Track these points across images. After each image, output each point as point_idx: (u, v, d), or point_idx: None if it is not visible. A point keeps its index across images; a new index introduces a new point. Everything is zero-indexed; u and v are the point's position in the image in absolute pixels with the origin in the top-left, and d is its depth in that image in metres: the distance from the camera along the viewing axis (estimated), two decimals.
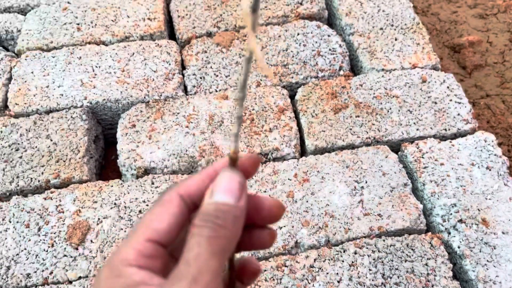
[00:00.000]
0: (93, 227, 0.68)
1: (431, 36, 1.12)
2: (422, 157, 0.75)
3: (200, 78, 0.88)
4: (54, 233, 0.67)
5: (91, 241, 0.66)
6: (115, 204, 0.70)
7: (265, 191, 0.72)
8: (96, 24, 0.96)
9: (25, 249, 0.66)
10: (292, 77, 0.88)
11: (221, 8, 0.99)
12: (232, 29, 0.96)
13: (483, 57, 1.07)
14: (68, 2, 1.02)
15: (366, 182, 0.72)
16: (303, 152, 0.80)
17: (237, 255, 0.27)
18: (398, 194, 0.70)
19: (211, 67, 0.90)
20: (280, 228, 0.68)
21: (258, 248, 0.26)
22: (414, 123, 0.80)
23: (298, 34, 0.94)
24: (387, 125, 0.79)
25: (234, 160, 0.24)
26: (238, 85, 0.23)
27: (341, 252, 0.65)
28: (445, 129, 0.79)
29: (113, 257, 0.22)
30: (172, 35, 1.01)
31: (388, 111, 0.81)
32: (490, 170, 0.72)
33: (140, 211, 0.69)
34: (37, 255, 0.65)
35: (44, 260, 0.65)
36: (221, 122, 0.81)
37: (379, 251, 0.65)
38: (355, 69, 0.93)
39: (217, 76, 0.88)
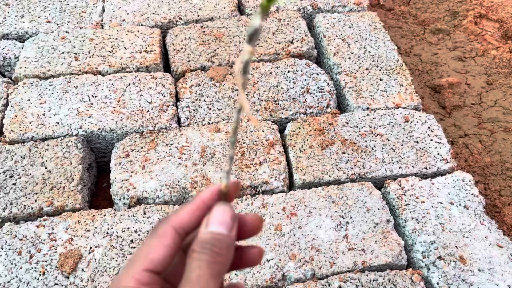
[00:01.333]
0: (85, 255, 0.69)
1: (413, 76, 1.18)
2: (404, 195, 0.79)
3: (194, 110, 0.92)
4: (46, 261, 0.68)
5: (83, 269, 0.67)
6: (107, 233, 0.72)
7: None
8: (93, 54, 0.99)
9: (17, 276, 0.67)
10: (282, 113, 0.92)
11: (215, 44, 1.03)
12: (225, 64, 1.00)
13: (462, 98, 1.13)
14: (67, 32, 1.05)
15: (351, 217, 0.75)
16: (291, 185, 0.84)
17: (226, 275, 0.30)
18: (381, 230, 0.74)
19: (204, 100, 0.93)
20: (268, 261, 0.70)
21: (248, 266, 0.30)
22: (397, 161, 0.84)
23: (288, 71, 0.98)
24: (371, 162, 0.83)
25: (226, 194, 0.28)
26: (231, 131, 0.27)
27: (326, 286, 0.67)
28: (426, 168, 0.83)
29: (114, 284, 0.26)
30: (167, 68, 1.05)
31: (372, 149, 0.85)
32: (467, 209, 0.77)
33: (131, 241, 0.71)
34: (28, 283, 0.66)
35: None
36: (213, 154, 0.83)
37: (362, 285, 0.67)
38: (341, 106, 0.98)
39: (210, 109, 0.92)
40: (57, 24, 1.08)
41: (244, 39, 1.05)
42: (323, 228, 0.74)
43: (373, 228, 0.74)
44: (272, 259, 0.70)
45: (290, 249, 0.71)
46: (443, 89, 1.14)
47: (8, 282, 0.66)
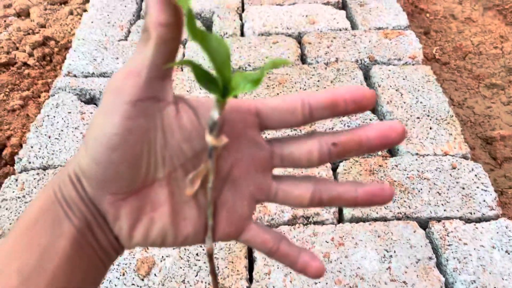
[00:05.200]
0: (157, 263, 0.80)
1: (465, 127, 1.23)
2: (447, 236, 0.84)
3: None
4: (126, 264, 0.80)
5: (155, 274, 0.79)
6: None
7: None
8: (174, 93, 1.15)
9: None
10: None
11: (278, 88, 1.16)
12: None
13: None
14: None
15: (394, 251, 0.82)
16: (340, 219, 0.91)
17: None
18: (423, 266, 0.79)
19: (266, 137, 1.05)
20: (316, 283, 0.78)
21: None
22: (442, 204, 0.89)
23: (343, 116, 1.08)
24: (417, 203, 0.90)
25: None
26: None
27: None
28: (470, 213, 0.88)
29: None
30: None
31: (419, 191, 0.92)
32: (509, 254, 0.80)
33: (197, 254, 0.82)
34: (110, 280, 0.78)
35: (116, 286, 0.77)
36: None
37: None
38: (392, 151, 1.06)
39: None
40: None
41: (303, 86, 1.17)
42: (368, 259, 0.81)
43: (415, 263, 0.80)
44: (319, 282, 0.78)
45: (336, 275, 0.78)
46: (494, 141, 1.18)
47: None
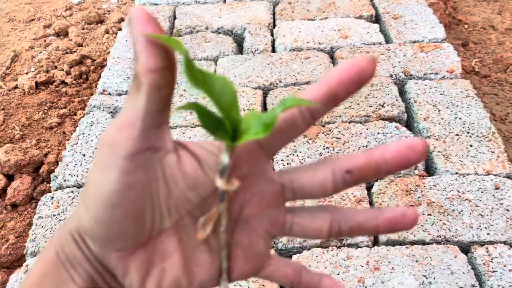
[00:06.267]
0: None
1: (508, 143, 1.17)
2: (491, 261, 0.79)
3: (287, 164, 1.01)
4: None
5: None
6: None
7: (338, 274, 0.80)
8: None
9: None
10: None
11: None
12: (318, 124, 1.10)
13: None
14: (184, 90, 1.23)
15: (434, 278, 0.77)
16: (375, 241, 0.88)
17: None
18: None
19: (297, 155, 1.03)
20: None
21: (312, 236, 0.27)
22: (485, 227, 0.85)
23: (378, 133, 1.05)
24: (458, 226, 0.85)
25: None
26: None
27: None
28: None
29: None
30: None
31: (459, 213, 0.87)
32: None
33: None
34: None
35: None
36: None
37: None
38: (429, 169, 1.01)
39: (302, 163, 1.01)
40: (177, 84, 1.27)
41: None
42: (405, 285, 0.77)
43: None
44: None
45: None
46: None
47: None
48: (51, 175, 1.02)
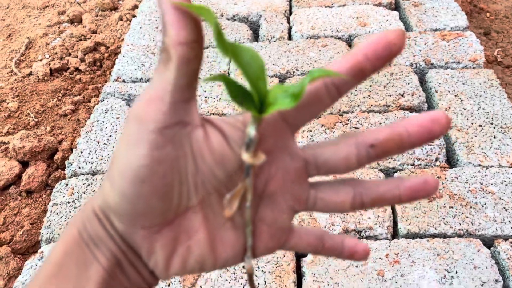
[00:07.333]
0: (203, 274, 0.78)
1: None
2: None
3: None
4: None
5: (201, 286, 0.77)
6: None
7: (356, 266, 0.78)
8: (220, 99, 1.14)
9: None
10: (390, 162, 0.95)
11: None
12: (336, 113, 1.07)
13: None
14: (199, 78, 1.21)
15: (456, 272, 0.75)
16: (394, 234, 0.86)
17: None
18: None
19: None
20: None
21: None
22: (510, 221, 0.82)
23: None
24: (481, 220, 0.82)
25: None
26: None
27: None
28: None
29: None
30: None
31: (483, 206, 0.84)
32: None
33: (243, 267, 0.79)
34: None
35: None
36: None
37: None
38: (451, 161, 0.98)
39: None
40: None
41: (353, 91, 1.12)
42: (426, 279, 0.75)
43: (479, 287, 0.73)
44: None
45: None
46: None
47: None
48: (66, 162, 1.02)
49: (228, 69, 1.24)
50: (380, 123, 1.03)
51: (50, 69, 1.38)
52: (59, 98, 1.29)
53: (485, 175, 0.90)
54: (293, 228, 0.28)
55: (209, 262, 0.26)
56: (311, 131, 1.03)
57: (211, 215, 0.26)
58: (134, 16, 1.59)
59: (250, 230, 0.26)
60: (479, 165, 0.92)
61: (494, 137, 0.97)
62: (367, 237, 0.83)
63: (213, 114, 1.11)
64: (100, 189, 0.25)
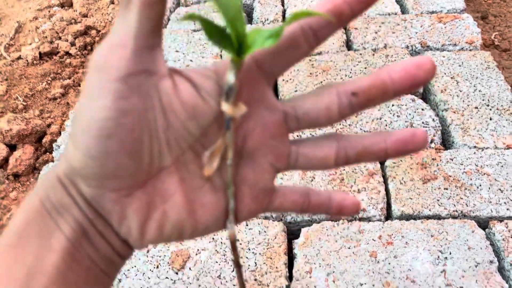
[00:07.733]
0: (192, 256, 0.77)
1: None
2: (511, 237, 0.75)
3: (297, 136, 0.97)
4: (160, 257, 0.77)
5: (190, 268, 0.75)
6: (213, 238, 0.79)
7: (349, 248, 0.76)
8: None
9: (135, 266, 0.76)
10: None
11: (322, 76, 1.09)
12: None
13: None
14: (191, 60, 1.19)
15: (450, 253, 0.74)
16: (388, 216, 0.84)
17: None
18: (483, 270, 0.71)
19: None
20: (361, 285, 0.71)
21: (319, 167, 0.26)
22: (505, 203, 0.80)
23: (392, 105, 1.00)
24: (476, 201, 0.81)
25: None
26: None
27: None
28: None
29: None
30: (275, 96, 1.13)
31: (478, 188, 0.83)
32: None
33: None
34: (144, 273, 0.75)
35: (149, 278, 0.74)
36: (312, 178, 0.88)
37: None
38: (446, 143, 0.97)
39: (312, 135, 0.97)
40: (183, 54, 1.23)
41: (348, 73, 1.10)
42: (419, 260, 0.73)
43: (474, 267, 0.72)
44: (365, 283, 0.71)
45: (384, 277, 0.72)
46: None
47: (128, 270, 0.76)
48: (53, 145, 1.00)
49: (221, 51, 1.21)
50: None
51: (40, 53, 1.35)
52: (49, 82, 1.27)
53: (481, 157, 0.88)
54: (276, 188, 0.27)
55: (187, 227, 0.24)
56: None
57: (188, 176, 0.24)
58: None
59: (232, 191, 0.24)
60: (475, 146, 0.91)
61: (490, 119, 0.95)
62: (360, 219, 0.82)
63: None
64: (63, 154, 0.23)
